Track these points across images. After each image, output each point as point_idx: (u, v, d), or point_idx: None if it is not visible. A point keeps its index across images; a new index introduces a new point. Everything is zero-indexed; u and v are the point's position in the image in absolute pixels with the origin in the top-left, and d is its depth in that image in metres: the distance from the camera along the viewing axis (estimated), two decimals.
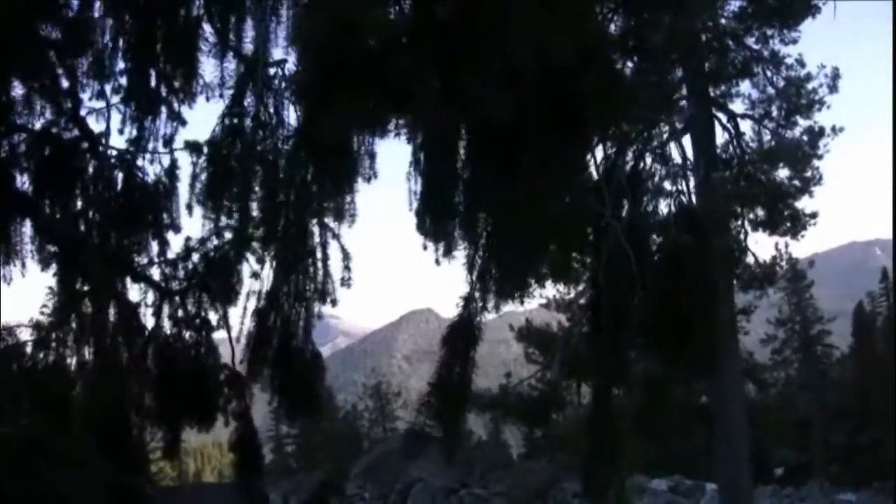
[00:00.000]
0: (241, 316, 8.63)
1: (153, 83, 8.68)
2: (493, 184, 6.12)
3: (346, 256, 8.49)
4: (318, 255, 8.46)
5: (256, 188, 8.04)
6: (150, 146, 9.04)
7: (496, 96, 5.29)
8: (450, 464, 36.34)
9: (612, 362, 7.98)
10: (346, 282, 8.53)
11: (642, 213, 8.75)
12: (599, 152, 8.26)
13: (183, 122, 8.98)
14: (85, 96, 8.89)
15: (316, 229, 8.36)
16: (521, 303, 7.98)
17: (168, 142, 8.98)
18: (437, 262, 7.21)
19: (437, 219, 6.74)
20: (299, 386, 8.89)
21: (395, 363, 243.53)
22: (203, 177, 8.35)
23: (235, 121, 7.98)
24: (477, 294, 7.58)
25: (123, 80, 8.83)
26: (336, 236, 8.38)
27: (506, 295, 7.51)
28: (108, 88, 8.88)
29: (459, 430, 9.00)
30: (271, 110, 8.00)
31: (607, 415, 7.99)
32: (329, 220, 7.41)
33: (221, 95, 8.28)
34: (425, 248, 7.03)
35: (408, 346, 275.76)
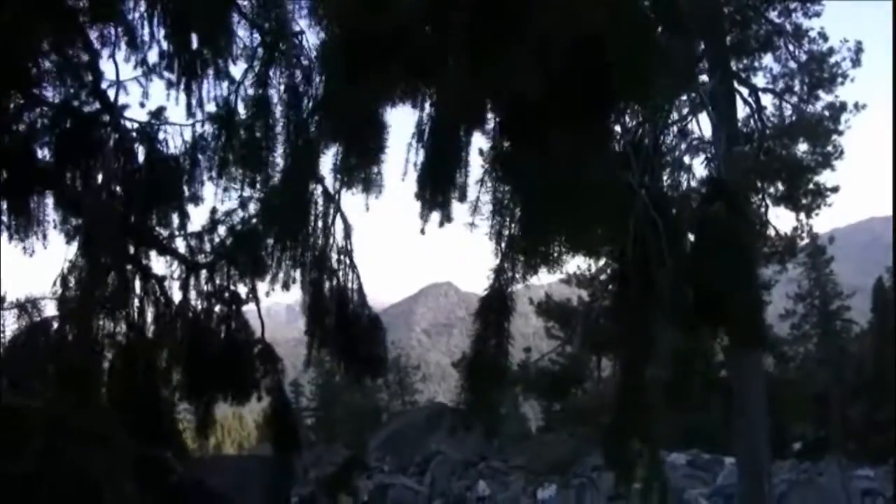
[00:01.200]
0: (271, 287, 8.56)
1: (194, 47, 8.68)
2: (524, 155, 6.07)
3: (346, 227, 8.48)
4: (320, 224, 8.40)
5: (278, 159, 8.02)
6: (196, 109, 9.02)
7: (527, 69, 5.24)
8: (491, 440, 36.41)
9: (640, 334, 7.91)
10: (344, 251, 8.51)
11: (669, 183, 8.64)
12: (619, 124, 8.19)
13: (232, 80, 8.92)
14: (109, 69, 8.91)
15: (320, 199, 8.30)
16: (551, 272, 7.90)
17: (225, 102, 8.91)
18: (422, 232, 7.18)
19: (437, 190, 6.71)
20: (361, 350, 8.89)
21: (414, 336, 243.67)
22: (225, 148, 8.38)
23: (261, 91, 7.96)
24: (507, 265, 7.52)
25: (150, 56, 8.87)
26: (338, 207, 8.35)
27: (535, 266, 7.46)
28: (134, 60, 8.90)
29: (498, 405, 8.96)
30: (298, 80, 7.96)
31: (636, 387, 7.91)
32: (355, 191, 7.32)
33: (251, 66, 8.30)
34: (420, 217, 7.00)
35: (427, 320, 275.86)
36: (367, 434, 59.35)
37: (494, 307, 7.72)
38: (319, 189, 8.18)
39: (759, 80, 21.70)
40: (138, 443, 5.92)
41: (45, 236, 8.72)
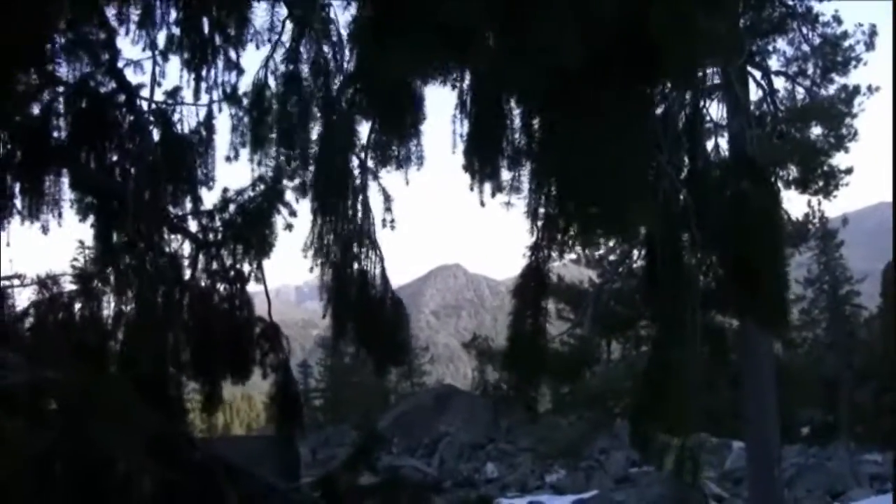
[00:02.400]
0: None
1: (206, 31, 8.72)
2: (566, 129, 6.05)
3: (387, 198, 8.45)
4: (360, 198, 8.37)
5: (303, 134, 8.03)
6: (205, 96, 9.08)
7: (568, 40, 5.21)
8: (533, 422, 36.38)
9: (670, 313, 7.87)
10: (388, 224, 8.46)
11: (700, 159, 8.59)
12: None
13: (241, 71, 8.98)
14: (125, 48, 8.94)
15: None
16: (585, 248, 7.88)
17: (231, 91, 8.97)
18: (483, 203, 7.21)
19: (486, 158, 6.71)
20: (384, 336, 8.78)
21: (422, 318, 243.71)
22: (244, 125, 8.41)
23: (291, 67, 7.97)
24: (543, 242, 7.51)
25: (164, 34, 8.90)
26: (377, 177, 8.33)
27: (571, 244, 7.46)
28: (148, 40, 8.92)
29: (538, 384, 8.94)
30: (329, 54, 7.96)
31: (665, 368, 7.87)
32: (392, 168, 7.30)
33: (272, 41, 8.32)
34: (472, 189, 7.01)
35: (435, 302, 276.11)
36: (375, 415, 59.48)
37: (531, 284, 7.70)
38: (356, 164, 8.17)
39: (773, 64, 21.70)
40: (158, 420, 5.95)
41: (60, 215, 8.77)
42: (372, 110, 7.07)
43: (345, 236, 8.21)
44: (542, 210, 6.92)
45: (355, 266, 8.37)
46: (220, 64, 8.90)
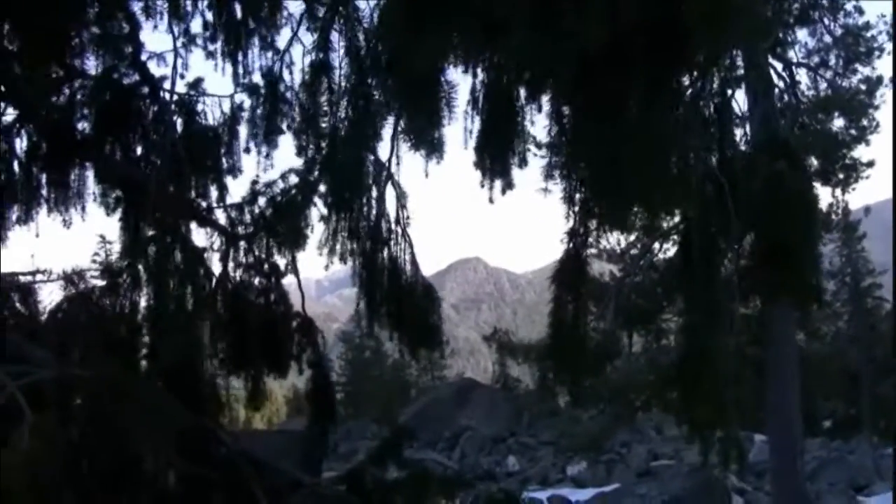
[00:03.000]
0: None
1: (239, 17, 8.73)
2: (594, 115, 5.98)
3: (401, 195, 8.43)
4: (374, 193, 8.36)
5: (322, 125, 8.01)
6: (245, 80, 9.09)
7: (591, 21, 5.14)
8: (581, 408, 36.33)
9: (706, 299, 7.80)
10: (401, 221, 8.46)
11: (729, 146, 8.52)
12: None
13: (277, 52, 8.98)
14: (150, 39, 8.94)
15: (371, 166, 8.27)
16: (624, 234, 7.84)
17: (268, 73, 8.97)
18: (491, 200, 7.17)
19: (496, 155, 6.68)
20: (416, 321, 8.83)
21: (442, 312, 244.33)
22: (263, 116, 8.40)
23: (321, 55, 7.93)
24: (580, 228, 7.45)
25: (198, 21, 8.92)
26: (390, 174, 8.31)
27: (608, 229, 7.40)
28: (175, 30, 8.93)
29: (582, 374, 8.88)
30: (361, 42, 7.91)
31: (703, 356, 7.80)
32: (420, 154, 7.25)
33: (309, 29, 8.31)
34: (482, 185, 6.98)
35: (455, 295, 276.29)
36: (396, 409, 59.59)
37: (570, 271, 7.65)
38: (372, 157, 8.16)
39: (794, 55, 21.61)
40: (187, 414, 5.92)
41: (83, 208, 8.78)
42: (401, 97, 7.01)
43: (373, 227, 8.22)
44: (577, 196, 6.88)
45: (385, 254, 8.38)
46: (256, 49, 8.91)
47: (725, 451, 9.41)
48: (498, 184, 7.00)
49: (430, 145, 7.11)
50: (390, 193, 8.48)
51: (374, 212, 8.37)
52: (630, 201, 6.49)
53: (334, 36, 8.00)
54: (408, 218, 8.46)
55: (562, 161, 6.68)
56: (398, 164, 8.18)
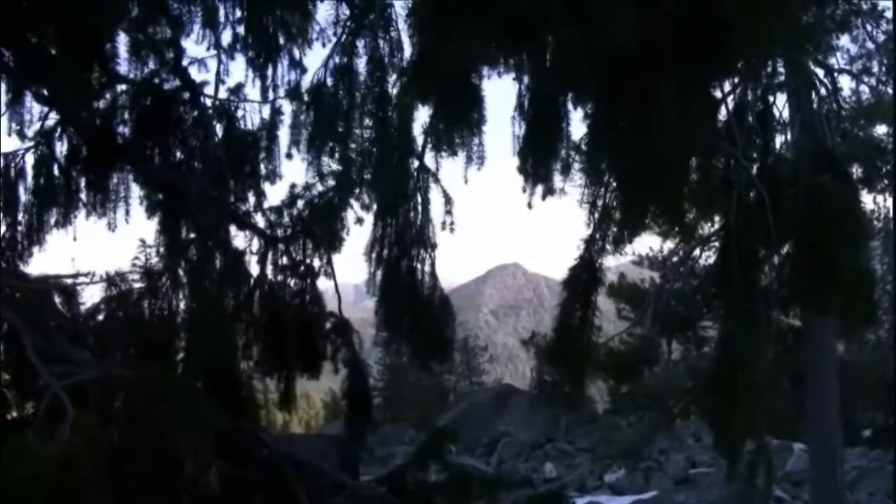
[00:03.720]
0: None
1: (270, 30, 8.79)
2: (624, 119, 5.96)
3: (447, 200, 8.42)
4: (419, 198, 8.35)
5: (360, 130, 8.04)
6: (270, 95, 9.17)
7: (622, 18, 5.11)
8: (559, 420, 36.27)
9: (745, 309, 7.75)
10: (448, 226, 8.44)
11: (775, 153, 8.46)
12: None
13: (303, 70, 9.04)
14: (189, 45, 9.01)
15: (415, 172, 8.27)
16: (634, 237, 7.77)
17: (293, 90, 9.04)
18: (530, 205, 7.18)
19: (539, 160, 6.67)
20: (430, 333, 8.77)
21: (481, 318, 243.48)
22: (306, 121, 8.43)
23: (346, 59, 7.95)
24: (598, 236, 7.44)
25: (228, 31, 8.99)
26: (437, 179, 8.32)
27: (628, 238, 7.39)
28: (213, 39, 9.01)
29: (582, 380, 8.87)
30: (384, 49, 7.92)
31: (736, 366, 7.75)
32: (451, 158, 7.24)
33: (336, 34, 8.34)
34: (524, 191, 6.99)
35: (494, 301, 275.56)
36: (434, 415, 59.54)
37: (582, 278, 7.64)
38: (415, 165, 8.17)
39: (836, 62, 21.48)
40: (226, 416, 5.97)
41: (127, 212, 8.88)
42: (433, 100, 7.00)
43: (401, 236, 8.22)
44: (600, 202, 6.87)
45: (404, 264, 8.38)
46: (285, 62, 8.98)
47: (754, 461, 9.37)
48: (539, 189, 7.01)
49: (465, 150, 7.10)
50: (433, 200, 8.46)
51: (419, 218, 8.36)
52: (649, 204, 6.46)
53: (369, 42, 8.01)
54: (452, 223, 8.43)
55: (587, 163, 6.67)
56: (432, 176, 8.21)
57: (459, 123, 6.75)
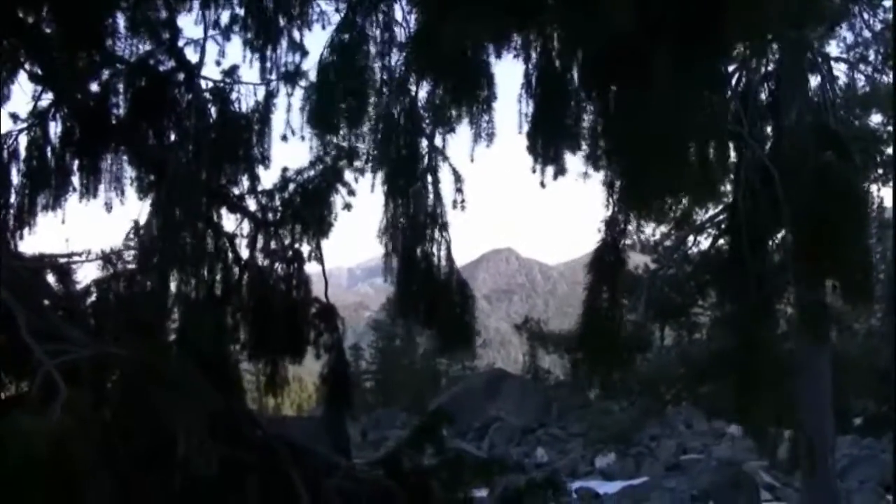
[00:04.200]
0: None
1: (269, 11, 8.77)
2: (625, 100, 5.93)
3: (458, 179, 8.38)
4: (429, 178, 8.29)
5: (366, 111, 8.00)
6: (271, 76, 9.15)
7: (620, 5, 5.08)
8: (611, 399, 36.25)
9: (752, 289, 7.74)
10: (458, 204, 8.38)
11: (782, 133, 8.44)
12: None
13: (305, 52, 9.02)
14: (186, 25, 8.99)
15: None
16: (658, 224, 7.77)
17: (293, 73, 9.01)
18: (543, 184, 7.15)
19: (549, 140, 6.64)
20: (450, 318, 8.68)
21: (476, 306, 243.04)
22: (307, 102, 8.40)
23: (346, 37, 7.90)
24: (619, 217, 7.40)
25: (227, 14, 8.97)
26: (446, 158, 8.25)
27: (645, 218, 7.35)
28: (213, 18, 8.99)
29: (614, 362, 8.81)
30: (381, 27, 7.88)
31: (753, 347, 7.73)
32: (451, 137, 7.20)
33: (338, 10, 8.32)
34: (534, 171, 6.96)
35: (487, 286, 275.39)
36: (426, 398, 59.59)
37: (607, 260, 7.60)
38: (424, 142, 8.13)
39: (832, 50, 21.41)
40: (221, 397, 5.96)
41: (123, 192, 8.86)
42: (438, 78, 6.96)
43: (414, 219, 8.16)
44: (617, 184, 6.83)
45: (419, 249, 8.32)
46: (284, 44, 8.94)
47: (795, 449, 9.33)
48: (550, 169, 6.98)
49: (467, 124, 7.04)
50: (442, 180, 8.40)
51: (429, 198, 8.29)
52: (653, 186, 6.44)
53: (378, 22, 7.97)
54: (463, 201, 8.35)
55: (601, 147, 6.64)
56: (441, 155, 8.17)
57: (463, 99, 6.72)
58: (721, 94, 6.95)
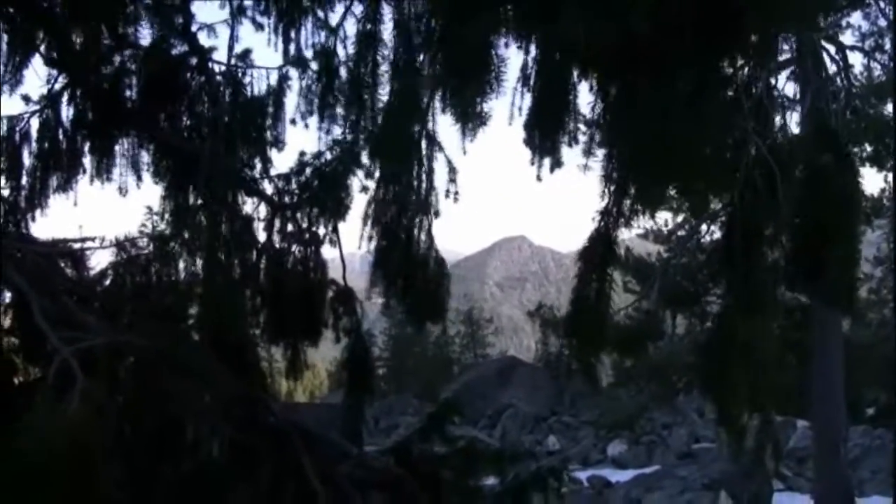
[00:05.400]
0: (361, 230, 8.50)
1: None
2: (638, 96, 5.90)
3: (451, 169, 8.39)
4: (424, 166, 8.31)
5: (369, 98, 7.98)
6: (278, 59, 9.11)
7: (638, 5, 5.05)
8: (595, 392, 36.31)
9: (747, 284, 7.70)
10: (451, 195, 8.41)
11: (783, 130, 8.39)
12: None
13: (331, 30, 8.95)
14: (200, 10, 8.97)
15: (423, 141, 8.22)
16: (653, 217, 7.74)
17: (323, 51, 8.96)
18: (539, 178, 7.14)
19: (547, 133, 6.62)
20: (423, 294, 8.71)
21: (486, 290, 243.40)
22: (314, 88, 8.37)
23: (369, 26, 7.87)
24: (613, 208, 7.38)
25: None
26: (441, 148, 8.26)
27: (642, 210, 7.33)
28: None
29: (599, 352, 8.81)
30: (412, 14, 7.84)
31: (735, 342, 7.70)
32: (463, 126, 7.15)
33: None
34: (532, 163, 6.94)
35: (500, 273, 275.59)
36: (438, 385, 59.73)
37: (598, 250, 7.57)
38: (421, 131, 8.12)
39: (847, 39, 21.33)
40: (235, 383, 5.95)
41: (139, 177, 8.86)
42: (450, 69, 6.92)
43: (400, 199, 8.19)
44: (615, 175, 6.80)
45: (402, 226, 8.34)
46: (309, 25, 8.90)
47: (761, 438, 9.33)
48: (547, 162, 6.96)
49: (477, 118, 7.01)
50: (438, 168, 8.43)
51: (423, 186, 8.32)
52: (667, 180, 6.41)
53: (386, 8, 7.92)
54: (457, 192, 8.40)
55: (603, 138, 6.61)
56: (437, 145, 8.19)
57: (471, 83, 6.68)
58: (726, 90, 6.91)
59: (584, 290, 7.62)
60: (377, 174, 8.47)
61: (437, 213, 8.50)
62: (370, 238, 8.40)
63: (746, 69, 7.33)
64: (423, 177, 8.31)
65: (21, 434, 3.91)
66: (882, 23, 21.37)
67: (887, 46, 21.58)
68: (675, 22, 5.26)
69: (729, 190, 7.24)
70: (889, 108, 21.84)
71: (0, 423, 4.18)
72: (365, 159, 8.97)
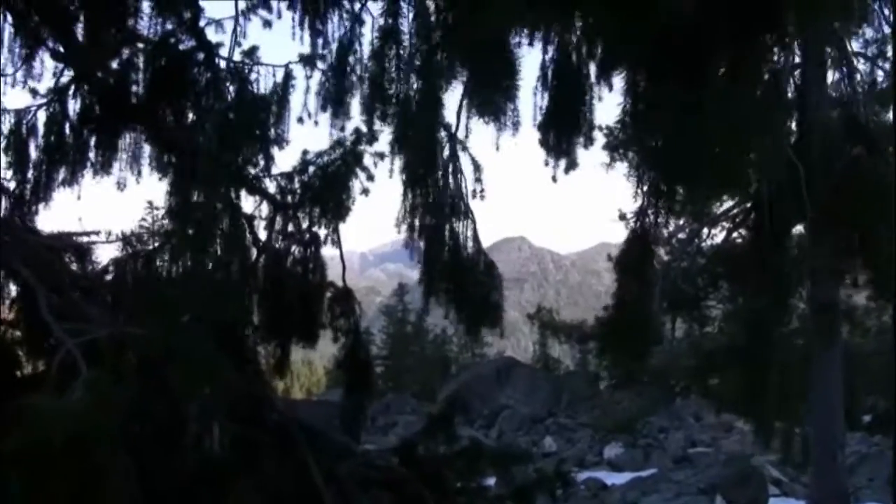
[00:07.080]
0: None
1: None
2: (669, 92, 5.85)
3: (476, 168, 8.37)
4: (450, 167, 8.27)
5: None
6: (324, 52, 9.08)
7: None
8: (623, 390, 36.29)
9: (773, 281, 7.69)
10: (478, 193, 8.39)
11: (811, 123, 8.37)
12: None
13: (361, 22, 8.92)
14: (208, 5, 8.97)
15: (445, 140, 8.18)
16: (693, 218, 7.71)
17: (347, 45, 8.93)
18: (555, 179, 7.14)
19: (562, 134, 6.61)
20: (476, 298, 8.68)
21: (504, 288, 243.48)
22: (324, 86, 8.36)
23: (390, 21, 7.84)
24: (649, 209, 7.35)
25: None
26: (465, 148, 8.24)
27: (678, 210, 7.30)
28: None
29: (643, 354, 8.77)
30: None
31: (763, 342, 7.69)
32: (487, 123, 7.13)
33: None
34: (546, 164, 6.93)
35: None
36: (436, 385, 59.74)
37: (636, 252, 7.56)
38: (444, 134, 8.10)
39: (853, 45, 21.28)
40: (239, 378, 5.96)
41: (139, 172, 8.86)
42: (466, 66, 6.89)
43: (436, 203, 8.13)
44: (646, 175, 6.77)
45: (446, 229, 8.29)
46: (335, 19, 8.88)
47: (787, 442, 9.31)
48: (562, 163, 6.95)
49: (498, 113, 6.97)
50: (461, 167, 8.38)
51: (450, 186, 8.27)
52: (710, 180, 6.36)
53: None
54: (482, 191, 8.36)
55: (634, 137, 6.58)
56: (466, 136, 8.14)
57: (491, 88, 6.66)
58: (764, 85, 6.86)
59: (625, 294, 7.59)
60: (403, 177, 8.38)
61: (471, 213, 8.47)
62: (407, 244, 8.33)
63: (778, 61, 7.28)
64: (450, 177, 8.28)
65: (24, 423, 3.91)
66: (886, 29, 21.34)
67: (890, 53, 21.56)
68: (710, 8, 5.21)
69: (749, 188, 7.22)
70: (890, 115, 21.84)
71: (3, 414, 4.17)
72: (367, 160, 8.98)
